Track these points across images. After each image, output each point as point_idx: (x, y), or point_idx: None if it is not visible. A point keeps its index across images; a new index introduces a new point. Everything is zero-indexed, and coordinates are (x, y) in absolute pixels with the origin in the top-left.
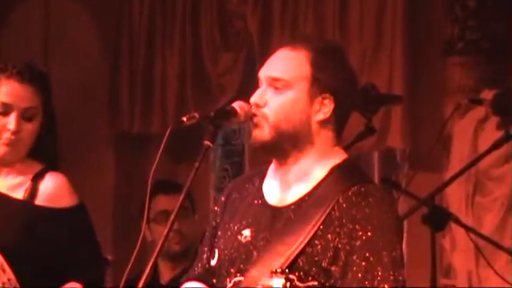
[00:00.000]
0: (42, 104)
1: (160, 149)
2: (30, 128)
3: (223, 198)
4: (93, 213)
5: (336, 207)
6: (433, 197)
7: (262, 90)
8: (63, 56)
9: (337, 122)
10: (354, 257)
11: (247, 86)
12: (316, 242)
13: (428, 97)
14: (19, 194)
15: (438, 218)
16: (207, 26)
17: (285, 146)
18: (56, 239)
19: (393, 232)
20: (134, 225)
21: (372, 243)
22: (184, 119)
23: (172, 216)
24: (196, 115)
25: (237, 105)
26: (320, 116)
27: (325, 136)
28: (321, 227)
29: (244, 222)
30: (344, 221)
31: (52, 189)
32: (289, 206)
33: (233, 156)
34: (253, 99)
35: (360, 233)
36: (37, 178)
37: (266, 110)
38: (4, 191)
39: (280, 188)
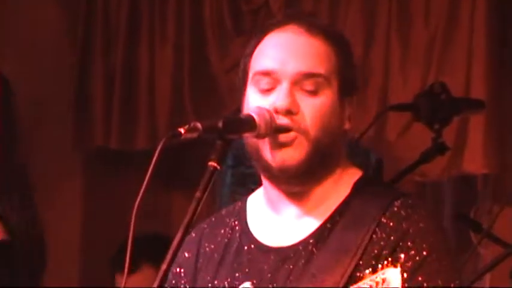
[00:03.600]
0: None
1: (149, 172)
2: None
3: (187, 255)
4: (55, 255)
5: (378, 229)
6: None
7: (289, 91)
8: (16, 49)
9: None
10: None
11: None
12: (358, 274)
13: None
14: None
15: None
16: (213, 1)
17: (319, 168)
18: None
19: (451, 256)
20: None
21: (427, 266)
22: (182, 130)
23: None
24: (199, 126)
25: (254, 112)
26: (347, 124)
27: (344, 149)
28: (364, 255)
29: (238, 275)
30: (393, 238)
31: None
32: (305, 240)
33: (247, 182)
34: (285, 104)
35: (413, 252)
36: None
37: (302, 120)
38: None
39: (287, 222)
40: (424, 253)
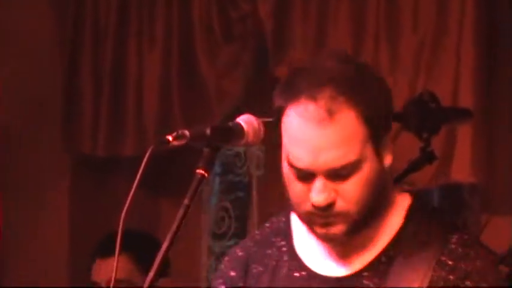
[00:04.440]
0: None
1: (137, 179)
2: None
3: (233, 273)
4: (44, 257)
5: (439, 266)
6: None
7: (323, 185)
8: (5, 53)
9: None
10: None
11: (256, 91)
12: None
13: (509, 111)
14: None
15: None
16: (202, 8)
17: (365, 223)
18: None
19: None
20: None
21: None
22: (170, 138)
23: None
24: (187, 133)
25: (243, 120)
26: (388, 161)
27: (390, 183)
28: None
29: None
30: (451, 277)
31: None
32: (359, 272)
33: (236, 190)
34: (322, 200)
35: None
36: None
37: (342, 205)
38: None
39: (334, 253)
40: None
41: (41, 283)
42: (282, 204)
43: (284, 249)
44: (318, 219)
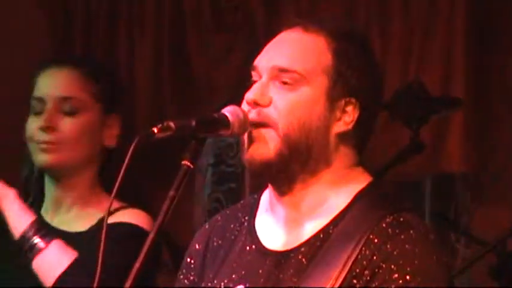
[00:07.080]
0: (96, 99)
1: (122, 170)
2: (73, 123)
3: (198, 246)
4: None
5: (366, 245)
6: (505, 241)
7: (262, 84)
8: None
9: (361, 136)
10: None
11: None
12: None
13: (501, 101)
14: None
15: None
16: None
17: (294, 165)
18: None
19: (441, 282)
20: None
21: None
22: (155, 130)
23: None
24: (172, 125)
25: (228, 111)
26: (340, 127)
27: (344, 154)
28: (347, 272)
29: (234, 277)
30: (375, 258)
31: (121, 213)
32: (297, 247)
33: (228, 180)
34: (251, 95)
35: (396, 275)
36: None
37: (272, 112)
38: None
39: (283, 226)
40: (407, 277)
41: None
42: None
43: (245, 224)
44: (251, 133)
